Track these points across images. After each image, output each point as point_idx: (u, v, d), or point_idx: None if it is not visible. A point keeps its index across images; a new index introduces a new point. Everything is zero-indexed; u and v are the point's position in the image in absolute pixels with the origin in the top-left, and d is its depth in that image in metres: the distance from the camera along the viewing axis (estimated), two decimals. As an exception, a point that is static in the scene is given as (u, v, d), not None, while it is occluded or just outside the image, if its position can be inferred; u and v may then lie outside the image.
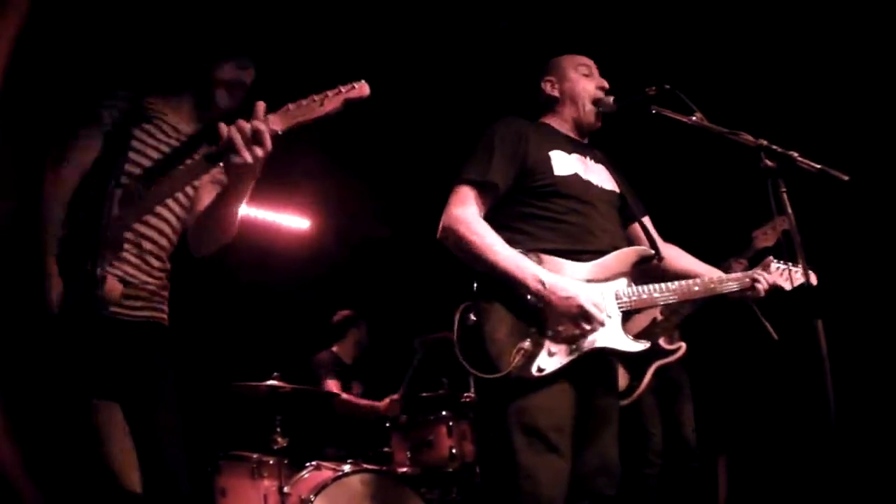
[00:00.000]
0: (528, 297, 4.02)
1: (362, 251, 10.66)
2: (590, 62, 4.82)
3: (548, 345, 3.98)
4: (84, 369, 3.92)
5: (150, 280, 4.35)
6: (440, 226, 4.28)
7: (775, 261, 4.72)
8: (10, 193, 4.52)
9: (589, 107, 4.67)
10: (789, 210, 3.83)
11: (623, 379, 6.93)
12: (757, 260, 4.89)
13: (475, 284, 4.20)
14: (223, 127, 3.59)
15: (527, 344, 3.95)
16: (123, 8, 6.11)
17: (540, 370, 3.93)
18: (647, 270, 4.52)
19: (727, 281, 4.55)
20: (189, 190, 4.46)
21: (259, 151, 3.56)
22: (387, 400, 8.26)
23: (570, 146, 4.58)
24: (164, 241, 4.41)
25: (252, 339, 9.09)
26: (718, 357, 8.25)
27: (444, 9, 7.54)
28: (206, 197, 4.31)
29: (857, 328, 6.85)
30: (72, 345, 3.87)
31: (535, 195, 4.34)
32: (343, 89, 3.66)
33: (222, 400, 7.70)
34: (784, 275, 4.68)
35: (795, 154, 3.95)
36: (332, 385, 8.50)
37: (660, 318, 6.64)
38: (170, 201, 4.37)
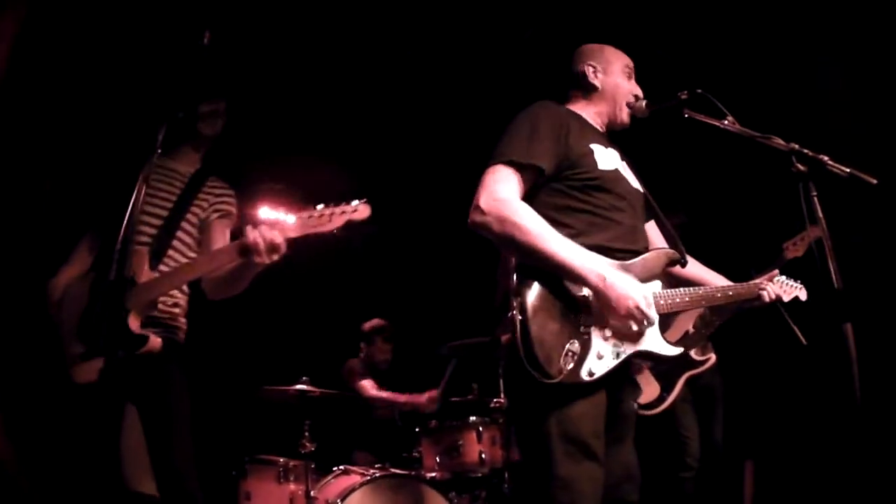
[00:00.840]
0: (580, 289, 3.87)
1: (394, 256, 10.67)
2: (632, 64, 4.68)
3: (595, 346, 3.84)
4: (115, 375, 4.28)
5: (167, 308, 4.90)
6: (476, 206, 3.92)
7: (780, 275, 4.82)
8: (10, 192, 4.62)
9: (625, 108, 4.55)
10: (820, 214, 3.83)
11: (654, 389, 6.98)
12: (784, 273, 4.92)
13: (514, 276, 3.86)
14: (250, 230, 4.29)
15: (575, 346, 3.78)
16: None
17: (591, 374, 3.79)
18: (669, 276, 4.47)
19: (736, 289, 4.57)
20: (194, 231, 5.08)
21: (275, 257, 4.30)
22: (427, 394, 8.29)
23: (605, 140, 4.42)
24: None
25: (282, 343, 9.10)
26: (747, 362, 8.23)
27: (463, 14, 7.57)
28: (218, 233, 5.09)
29: (886, 332, 6.82)
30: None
31: (577, 188, 4.11)
32: (348, 210, 4.28)
33: (251, 404, 7.71)
34: (784, 288, 4.78)
35: (826, 158, 3.93)
36: (368, 385, 8.60)
37: (692, 330, 6.65)
38: (183, 248, 5.00)
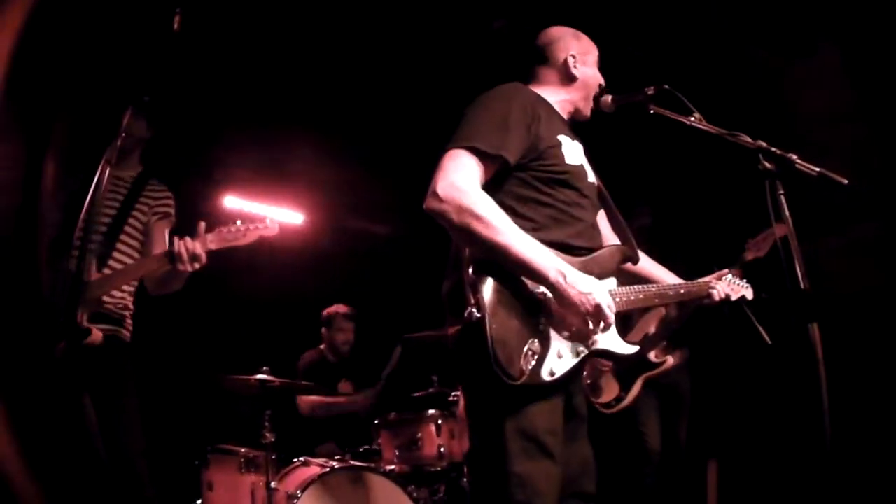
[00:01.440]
0: (538, 286, 3.75)
1: (357, 246, 10.65)
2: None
3: (555, 345, 3.77)
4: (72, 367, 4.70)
5: (116, 309, 5.39)
6: (432, 192, 3.71)
7: (730, 274, 4.83)
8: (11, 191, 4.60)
9: (590, 101, 4.47)
10: (786, 213, 3.80)
11: (613, 389, 6.99)
12: (747, 272, 4.92)
13: (469, 270, 3.69)
14: (175, 241, 4.99)
15: (536, 345, 3.69)
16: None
17: (552, 374, 3.72)
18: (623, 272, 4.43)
19: (689, 288, 4.60)
20: (137, 234, 5.54)
21: (196, 265, 4.99)
22: (361, 395, 8.49)
23: (569, 131, 4.28)
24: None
25: (243, 333, 9.08)
26: (711, 361, 8.24)
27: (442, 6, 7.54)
28: (158, 235, 5.56)
29: (851, 333, 6.82)
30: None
31: (542, 180, 3.97)
32: (260, 226, 5.18)
33: (212, 393, 7.68)
34: (732, 286, 4.76)
35: (794, 157, 3.91)
36: (303, 401, 8.60)
37: (652, 331, 6.66)
38: (127, 249, 5.47)
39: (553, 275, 3.66)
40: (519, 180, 3.95)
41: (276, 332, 9.29)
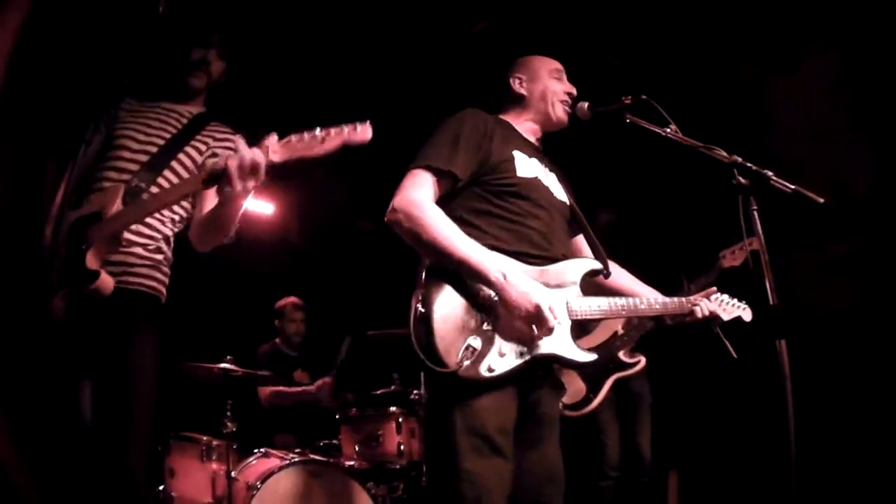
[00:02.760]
0: (485, 289, 3.94)
1: (323, 239, 10.66)
2: (561, 67, 4.80)
3: (498, 344, 3.90)
4: (69, 347, 4.06)
5: (148, 253, 4.45)
6: (391, 207, 4.07)
7: (718, 292, 4.68)
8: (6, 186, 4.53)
9: (559, 105, 4.65)
10: (759, 228, 3.81)
11: (580, 390, 6.95)
12: (720, 282, 4.87)
13: (423, 273, 4.01)
14: (222, 158, 3.82)
15: (477, 342, 3.86)
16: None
17: (490, 370, 3.84)
18: (595, 285, 4.48)
19: (670, 304, 4.52)
20: (184, 172, 4.57)
21: (252, 183, 3.79)
22: (318, 382, 8.39)
23: (529, 149, 4.53)
24: (158, 231, 4.54)
25: (208, 321, 9.06)
26: (674, 372, 8.25)
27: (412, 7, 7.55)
28: (209, 197, 4.39)
29: (820, 349, 6.85)
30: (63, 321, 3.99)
31: (494, 193, 4.24)
32: (346, 130, 3.74)
33: (176, 380, 7.66)
34: (723, 305, 4.65)
35: (770, 173, 3.92)
36: (262, 391, 8.62)
37: (620, 331, 6.65)
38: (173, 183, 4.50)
39: (494, 274, 3.86)
40: (473, 193, 4.26)
41: (240, 322, 9.29)
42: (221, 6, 6.58)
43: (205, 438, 6.81)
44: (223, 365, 6.71)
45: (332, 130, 3.75)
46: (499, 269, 3.88)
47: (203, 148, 4.68)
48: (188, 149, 4.63)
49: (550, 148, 4.82)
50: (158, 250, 4.48)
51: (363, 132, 3.76)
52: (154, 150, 4.52)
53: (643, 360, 6.98)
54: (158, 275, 4.48)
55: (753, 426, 7.37)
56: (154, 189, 4.38)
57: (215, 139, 4.73)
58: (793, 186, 3.90)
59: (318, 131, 3.75)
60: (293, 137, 3.78)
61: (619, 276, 4.72)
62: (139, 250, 4.39)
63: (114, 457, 4.12)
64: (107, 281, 4.07)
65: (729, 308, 4.65)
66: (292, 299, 9.31)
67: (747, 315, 4.69)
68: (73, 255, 4.03)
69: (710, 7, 7.31)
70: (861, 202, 6.98)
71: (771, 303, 3.94)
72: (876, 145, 7.16)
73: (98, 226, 4.09)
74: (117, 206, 4.15)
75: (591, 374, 7.01)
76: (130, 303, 4.28)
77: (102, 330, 4.14)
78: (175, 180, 4.48)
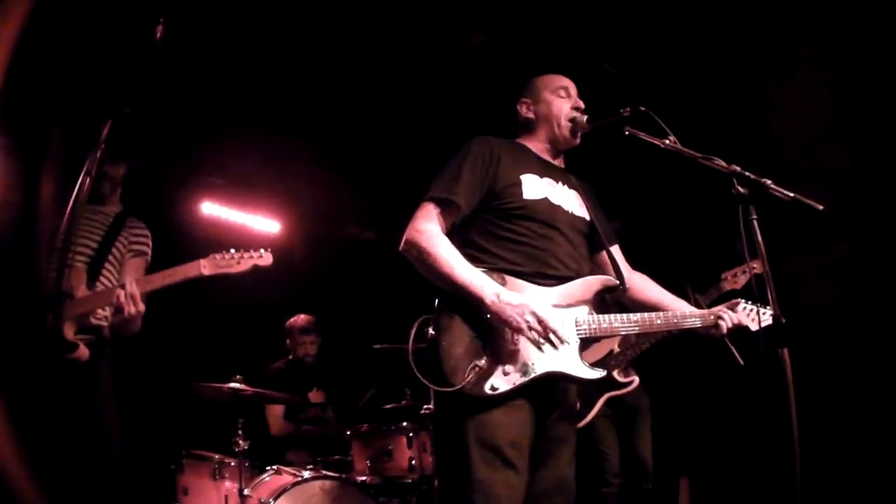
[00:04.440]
0: (484, 312, 4.05)
1: (331, 254, 10.67)
2: (568, 83, 4.84)
3: (503, 364, 4.02)
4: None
5: (96, 320, 5.46)
6: (403, 239, 4.33)
7: (744, 301, 4.59)
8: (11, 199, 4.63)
9: (564, 123, 4.68)
10: (759, 237, 3.82)
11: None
12: (721, 302, 4.84)
13: (437, 300, 4.23)
14: (118, 291, 5.09)
15: (482, 362, 3.99)
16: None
17: (493, 389, 3.96)
18: (612, 299, 4.56)
19: (690, 317, 4.49)
20: (117, 266, 5.69)
21: (132, 308, 5.07)
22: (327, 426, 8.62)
23: (543, 169, 4.61)
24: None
25: (217, 341, 9.08)
26: (684, 378, 8.25)
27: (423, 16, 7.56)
28: (130, 270, 5.65)
29: (821, 355, 6.85)
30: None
31: (503, 216, 4.37)
32: (255, 255, 5.30)
33: (186, 399, 7.67)
34: (751, 315, 4.56)
35: (769, 181, 3.93)
36: (277, 412, 8.74)
37: (616, 349, 6.66)
38: (110, 278, 5.60)
39: (489, 297, 4.05)
40: (484, 219, 4.44)
41: (250, 341, 9.31)
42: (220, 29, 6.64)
43: (217, 457, 6.81)
44: (232, 384, 6.72)
45: (245, 254, 5.28)
46: (493, 291, 4.04)
47: (122, 246, 5.71)
48: (116, 244, 5.67)
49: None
50: (105, 318, 5.53)
51: (266, 258, 5.32)
52: (95, 244, 5.57)
53: (636, 379, 6.93)
54: (104, 331, 5.54)
55: (760, 432, 7.36)
56: (104, 275, 5.54)
57: (132, 236, 5.78)
58: (791, 194, 3.90)
59: (237, 254, 5.26)
60: (216, 256, 5.22)
61: (645, 288, 4.78)
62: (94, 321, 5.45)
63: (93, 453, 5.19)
64: (84, 352, 5.16)
65: (756, 317, 4.55)
66: (301, 320, 9.28)
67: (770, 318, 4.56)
68: (55, 326, 4.49)
69: (705, 14, 7.32)
70: (861, 205, 6.98)
71: (774, 313, 3.98)
72: (875, 147, 7.16)
73: (71, 304, 5.10)
74: (83, 289, 5.30)
75: (586, 391, 7.01)
76: (95, 352, 5.33)
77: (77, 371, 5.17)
78: (111, 274, 5.61)
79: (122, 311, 5.03)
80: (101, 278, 5.52)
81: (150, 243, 5.88)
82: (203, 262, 5.20)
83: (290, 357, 9.19)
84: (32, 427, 4.68)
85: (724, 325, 4.47)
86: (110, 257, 5.62)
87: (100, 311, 5.43)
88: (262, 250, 5.31)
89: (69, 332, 5.09)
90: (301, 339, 9.16)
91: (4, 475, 4.27)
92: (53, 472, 4.69)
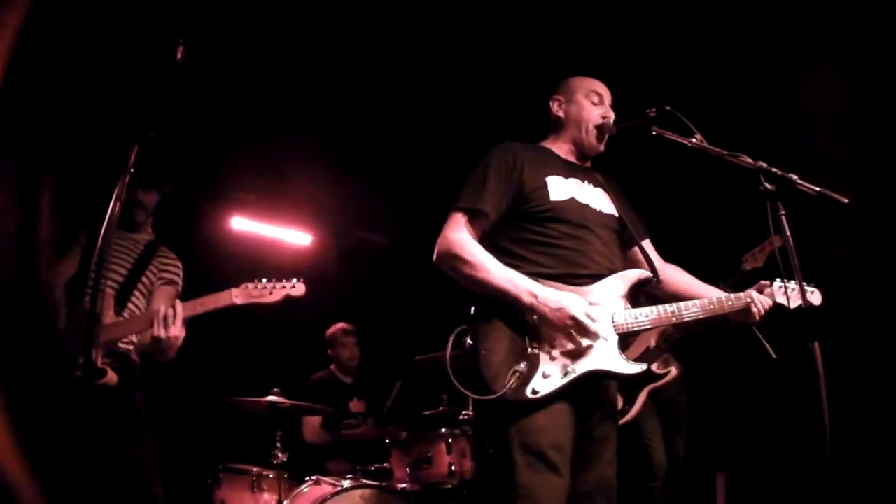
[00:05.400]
0: (523, 312, 4.09)
1: (365, 266, 10.69)
2: (603, 90, 4.86)
3: (543, 367, 4.03)
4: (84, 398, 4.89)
5: (123, 345, 5.48)
6: (435, 251, 4.39)
7: (778, 280, 4.53)
8: (10, 212, 4.59)
9: (591, 130, 4.71)
10: (788, 233, 3.84)
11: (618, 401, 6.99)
12: (745, 283, 4.83)
13: (473, 308, 4.29)
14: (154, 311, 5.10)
15: (522, 366, 3.99)
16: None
17: (534, 392, 3.97)
18: (646, 292, 4.55)
19: (726, 301, 4.43)
20: (146, 293, 5.74)
21: (164, 332, 5.00)
22: (361, 429, 8.67)
23: (568, 170, 4.63)
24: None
25: (253, 354, 9.11)
26: (718, 373, 8.25)
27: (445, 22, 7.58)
28: (159, 298, 5.64)
29: (852, 349, 6.85)
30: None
31: (532, 220, 4.41)
32: (287, 286, 5.26)
33: (223, 414, 7.71)
34: (787, 293, 4.42)
35: (795, 176, 3.94)
36: (308, 429, 8.80)
37: (653, 345, 6.67)
38: (140, 305, 5.65)
39: (525, 297, 4.10)
40: (513, 224, 4.47)
41: (286, 354, 9.35)
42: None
43: (255, 469, 6.83)
44: (270, 398, 6.76)
45: (277, 284, 5.24)
46: (528, 290, 4.08)
47: (152, 274, 5.77)
48: (147, 272, 5.74)
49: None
50: (130, 342, 5.53)
51: (299, 288, 5.28)
52: (126, 270, 5.64)
53: (674, 370, 7.00)
54: (132, 357, 5.57)
55: (795, 426, 7.35)
56: (132, 302, 5.60)
57: (162, 265, 5.84)
58: (818, 188, 3.92)
59: (269, 284, 5.23)
60: (248, 285, 5.21)
61: (678, 280, 4.75)
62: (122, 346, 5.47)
63: (129, 474, 5.20)
64: (113, 377, 5.13)
65: (793, 294, 4.39)
66: (341, 325, 9.38)
67: (817, 298, 4.54)
68: (87, 352, 4.37)
69: (727, 9, 7.33)
70: (885, 197, 6.96)
71: (802, 304, 4.00)
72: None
73: (99, 329, 4.52)
74: (111, 315, 5.33)
75: (627, 387, 7.04)
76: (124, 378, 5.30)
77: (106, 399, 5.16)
78: (140, 302, 5.66)
79: (158, 338, 4.98)
80: (130, 305, 5.56)
81: (181, 274, 5.94)
82: (235, 291, 5.20)
83: (332, 367, 9.25)
84: (55, 453, 4.70)
85: (756, 310, 4.44)
86: (140, 285, 5.67)
87: (127, 336, 5.46)
88: (294, 280, 5.29)
89: (97, 357, 4.95)
90: (345, 341, 9.28)
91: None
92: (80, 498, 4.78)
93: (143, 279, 5.70)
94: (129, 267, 5.66)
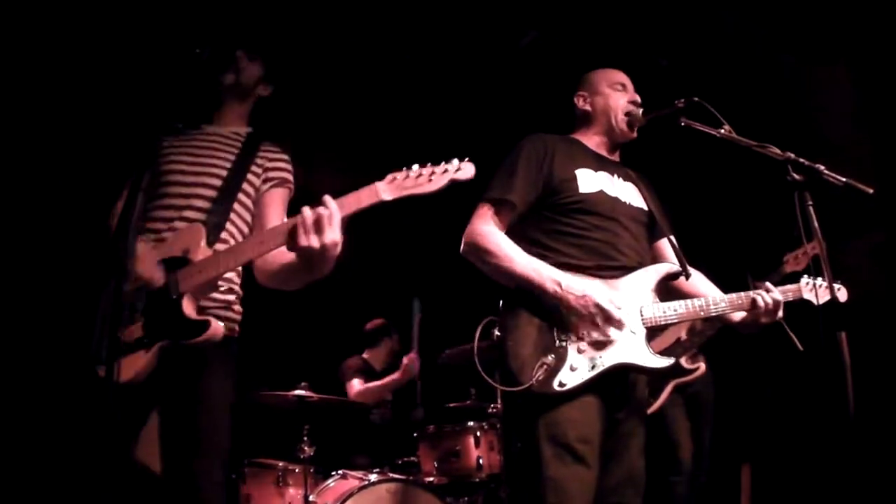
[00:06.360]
0: (548, 301, 4.11)
1: (391, 259, 10.69)
2: (625, 78, 4.89)
3: (570, 359, 4.04)
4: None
5: (219, 294, 4.23)
6: (462, 241, 4.43)
7: (805, 276, 4.63)
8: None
9: (621, 117, 4.73)
10: (815, 224, 3.84)
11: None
12: (785, 283, 4.83)
13: (501, 301, 4.33)
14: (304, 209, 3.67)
15: (549, 359, 4.02)
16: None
17: (561, 385, 3.99)
18: (670, 289, 4.53)
19: (736, 299, 4.42)
20: (250, 203, 4.44)
21: (318, 239, 3.60)
22: (402, 367, 8.52)
23: (598, 163, 4.65)
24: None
25: (281, 347, 9.12)
26: (744, 365, 8.24)
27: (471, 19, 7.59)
28: (272, 206, 4.44)
29: (881, 340, 6.84)
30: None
31: (560, 212, 4.43)
32: (450, 169, 3.66)
33: (250, 408, 7.72)
34: (813, 290, 4.58)
35: (821, 167, 3.95)
36: (353, 385, 8.66)
37: (684, 338, 6.65)
38: (240, 223, 4.37)
39: (550, 285, 4.12)
40: (542, 215, 4.50)
41: (314, 347, 9.36)
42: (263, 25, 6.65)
43: (280, 464, 6.88)
44: (298, 392, 6.77)
45: (437, 168, 3.67)
46: (553, 279, 4.10)
47: (259, 171, 4.49)
48: (249, 175, 4.43)
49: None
50: (230, 290, 4.30)
51: (467, 170, 3.70)
52: (211, 180, 4.32)
53: (703, 366, 6.96)
54: (232, 314, 4.29)
55: (820, 417, 7.34)
56: (230, 226, 4.28)
57: (268, 161, 4.54)
58: (843, 179, 3.94)
59: (424, 169, 3.67)
60: (397, 175, 3.68)
61: (700, 283, 4.74)
62: (213, 293, 4.16)
63: (186, 489, 3.98)
64: (218, 328, 3.90)
65: (821, 291, 4.52)
66: (384, 325, 9.42)
67: (843, 294, 4.68)
68: (165, 306, 3.86)
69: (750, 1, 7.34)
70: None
71: (831, 296, 4.00)
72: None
73: (188, 271, 3.91)
74: (203, 248, 3.98)
75: (652, 379, 7.00)
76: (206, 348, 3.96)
77: (176, 372, 3.95)
78: (244, 214, 4.38)
79: (309, 248, 3.61)
80: (230, 225, 4.31)
81: (293, 172, 4.65)
82: (380, 185, 3.66)
83: (367, 355, 9.24)
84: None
85: (761, 302, 4.39)
86: (240, 195, 4.39)
87: (223, 280, 4.21)
88: (455, 160, 3.70)
89: (189, 309, 3.87)
90: (387, 345, 9.33)
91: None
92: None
93: (245, 185, 4.41)
94: (224, 173, 4.37)
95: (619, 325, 4.06)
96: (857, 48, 7.35)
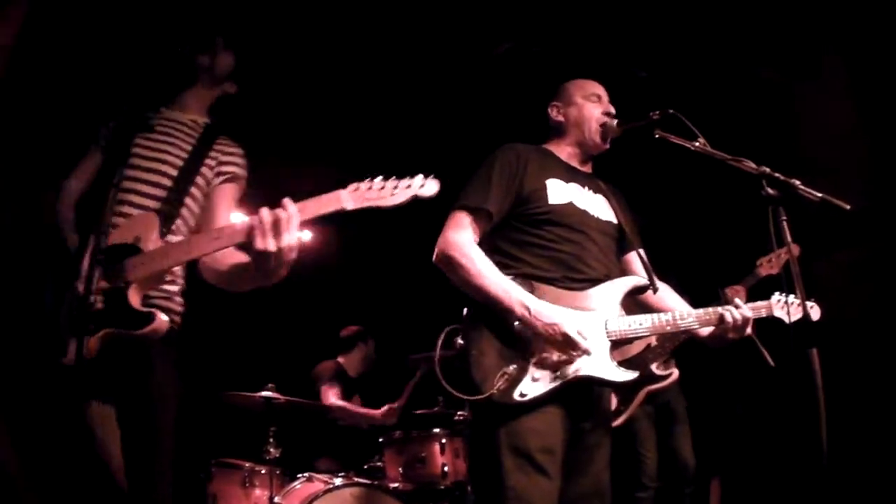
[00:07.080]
0: (515, 322, 4.07)
1: (363, 264, 10.67)
2: (600, 89, 4.87)
3: (532, 371, 4.02)
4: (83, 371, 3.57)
5: (163, 285, 4.14)
6: (435, 249, 4.37)
7: (777, 293, 4.53)
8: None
9: (595, 128, 4.70)
10: (789, 239, 3.81)
11: (612, 402, 6.93)
12: (759, 288, 4.82)
13: (465, 309, 4.28)
14: (262, 210, 3.51)
15: (511, 369, 4.00)
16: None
17: (522, 395, 3.97)
18: (638, 302, 4.54)
19: (704, 314, 4.34)
20: (201, 196, 4.36)
21: (275, 242, 3.47)
22: (384, 408, 8.34)
23: (569, 174, 4.63)
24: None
25: (249, 349, 9.10)
26: (713, 379, 8.24)
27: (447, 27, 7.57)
28: (221, 201, 4.38)
29: (851, 357, 6.83)
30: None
31: (530, 222, 4.40)
32: (414, 185, 3.58)
33: (217, 408, 7.69)
34: (785, 308, 4.40)
35: (797, 182, 3.93)
36: (331, 392, 8.54)
37: (654, 343, 6.60)
38: (189, 216, 4.30)
39: (518, 309, 4.06)
40: (512, 225, 4.46)
41: (282, 349, 9.32)
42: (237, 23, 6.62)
43: (247, 465, 6.85)
44: (265, 393, 6.75)
45: (401, 183, 3.58)
46: (522, 303, 4.05)
47: (213, 164, 4.42)
48: (202, 168, 4.37)
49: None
50: (173, 282, 4.23)
51: (430, 187, 3.61)
52: (167, 168, 4.25)
53: (676, 372, 6.89)
54: (173, 305, 4.22)
55: (791, 432, 7.35)
56: (182, 218, 4.23)
57: (224, 153, 4.48)
58: (820, 195, 3.91)
59: (388, 182, 3.57)
60: (361, 185, 3.57)
61: (668, 297, 4.70)
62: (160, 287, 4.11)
63: (143, 487, 3.95)
64: (163, 323, 3.81)
65: (793, 308, 4.33)
66: (360, 332, 9.33)
67: (816, 313, 4.45)
68: (113, 295, 3.76)
69: (731, 15, 7.33)
70: (884, 205, 6.95)
71: (802, 313, 3.98)
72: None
73: (138, 261, 3.80)
74: (155, 238, 3.89)
75: (623, 387, 6.94)
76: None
77: (123, 364, 3.85)
78: (192, 204, 4.31)
79: (265, 252, 3.46)
80: (182, 218, 4.26)
81: (247, 168, 4.61)
82: (343, 193, 3.55)
83: (343, 360, 9.13)
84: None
85: (729, 317, 4.28)
86: (193, 188, 4.32)
87: (178, 269, 4.22)
88: (420, 176, 3.61)
89: (135, 299, 3.78)
90: (362, 351, 9.26)
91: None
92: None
93: (198, 178, 4.36)
94: (179, 165, 4.30)
95: (584, 353, 4.02)
96: (838, 62, 7.35)
